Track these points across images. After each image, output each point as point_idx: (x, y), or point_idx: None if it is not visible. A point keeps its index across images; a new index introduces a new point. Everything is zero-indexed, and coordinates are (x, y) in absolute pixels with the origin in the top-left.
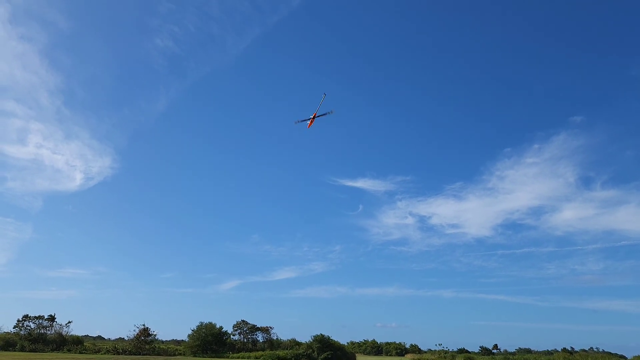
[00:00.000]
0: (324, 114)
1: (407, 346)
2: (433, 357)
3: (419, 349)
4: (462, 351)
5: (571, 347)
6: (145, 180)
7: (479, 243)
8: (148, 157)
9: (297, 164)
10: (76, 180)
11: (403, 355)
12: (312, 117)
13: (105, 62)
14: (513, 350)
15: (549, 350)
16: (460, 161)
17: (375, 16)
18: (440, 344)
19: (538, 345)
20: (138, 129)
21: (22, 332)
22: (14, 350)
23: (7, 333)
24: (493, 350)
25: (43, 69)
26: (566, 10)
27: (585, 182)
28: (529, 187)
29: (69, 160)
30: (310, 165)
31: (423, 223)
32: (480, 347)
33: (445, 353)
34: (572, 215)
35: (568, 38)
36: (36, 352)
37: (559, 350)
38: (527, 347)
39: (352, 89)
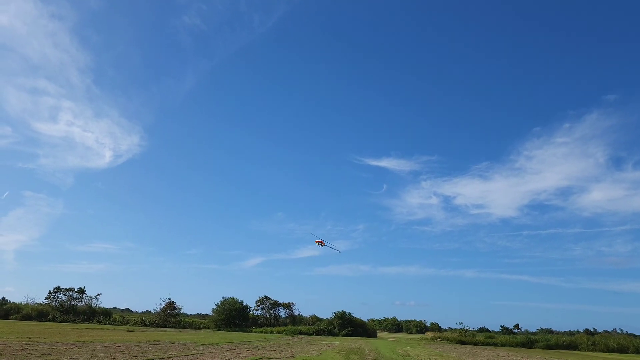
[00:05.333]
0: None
1: (428, 324)
2: (453, 335)
3: (439, 327)
4: (482, 330)
5: (593, 329)
6: (172, 157)
7: (503, 223)
8: (175, 135)
9: (322, 143)
10: (105, 158)
11: (423, 333)
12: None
13: (134, 41)
14: (534, 330)
15: (571, 331)
16: (488, 141)
17: None
18: (461, 323)
19: (560, 325)
20: (166, 107)
21: (53, 304)
22: (46, 321)
23: (40, 304)
24: (514, 330)
25: (73, 48)
26: None
27: (616, 163)
28: (557, 167)
29: (98, 138)
30: (335, 144)
31: (447, 203)
32: (501, 326)
33: (466, 332)
34: (601, 196)
35: (603, 14)
36: (67, 322)
37: (581, 331)
38: (548, 328)
39: (380, 67)
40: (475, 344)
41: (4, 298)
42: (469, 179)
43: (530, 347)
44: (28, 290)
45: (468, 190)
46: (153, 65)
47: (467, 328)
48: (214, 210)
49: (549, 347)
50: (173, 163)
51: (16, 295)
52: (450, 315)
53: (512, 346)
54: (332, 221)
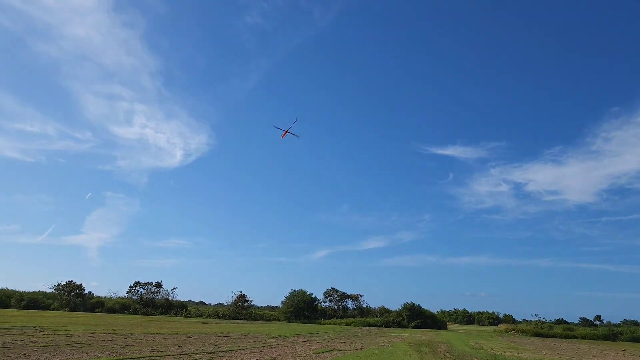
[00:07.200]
0: (293, 134)
1: (501, 316)
2: (529, 327)
3: (513, 319)
4: (560, 322)
5: None
6: (238, 153)
7: (580, 210)
8: (241, 132)
9: (386, 133)
10: (176, 157)
11: (496, 325)
12: (285, 131)
13: (199, 43)
14: (618, 322)
15: None
16: (560, 123)
17: None
18: (536, 314)
19: None
20: (231, 106)
21: (134, 297)
22: (128, 313)
23: (122, 298)
24: (595, 322)
25: (144, 53)
26: None
27: None
28: (639, 148)
29: (169, 138)
30: (399, 134)
31: (518, 190)
32: (580, 318)
33: (542, 324)
34: None
35: None
36: (147, 315)
37: None
38: (634, 319)
39: (443, 52)
40: (553, 336)
41: (90, 292)
42: (541, 164)
43: (614, 340)
44: (111, 284)
45: (540, 176)
46: (218, 66)
47: (544, 320)
48: (280, 204)
49: (634, 339)
50: (239, 159)
51: (100, 289)
52: (525, 306)
53: (594, 339)
54: (397, 212)
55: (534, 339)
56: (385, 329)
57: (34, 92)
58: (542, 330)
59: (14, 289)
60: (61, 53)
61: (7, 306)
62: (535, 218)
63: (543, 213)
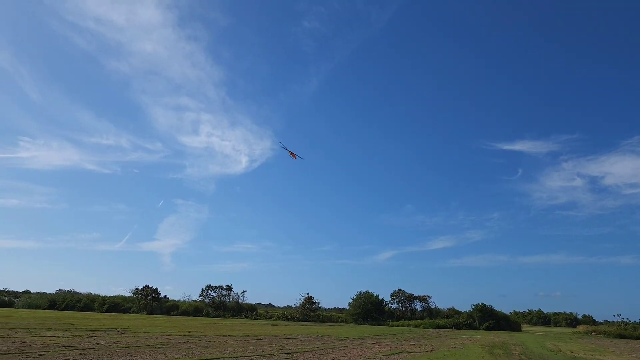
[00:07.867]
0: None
1: (579, 317)
2: (611, 329)
3: (593, 319)
4: None
5: None
6: (302, 158)
7: None
8: (303, 136)
9: (449, 131)
10: (242, 163)
11: (574, 327)
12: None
13: (260, 52)
14: None
15: None
16: (638, 112)
17: None
18: (619, 315)
19: None
20: (293, 111)
21: (206, 300)
22: (201, 316)
23: (195, 301)
24: None
25: (208, 65)
26: None
27: None
28: None
29: (235, 145)
30: (463, 131)
31: (594, 184)
32: None
33: (626, 324)
34: None
35: None
36: (219, 317)
37: None
38: None
39: (502, 46)
40: (638, 338)
41: (165, 296)
42: (619, 155)
43: None
44: (184, 288)
45: (619, 168)
46: (279, 72)
47: (628, 320)
48: (344, 206)
49: None
50: (302, 163)
51: (174, 293)
52: (605, 307)
53: None
54: (464, 211)
55: (617, 340)
56: (455, 331)
57: (108, 107)
58: (626, 331)
59: (96, 293)
60: (131, 69)
61: (91, 310)
62: (614, 213)
63: (623, 208)
